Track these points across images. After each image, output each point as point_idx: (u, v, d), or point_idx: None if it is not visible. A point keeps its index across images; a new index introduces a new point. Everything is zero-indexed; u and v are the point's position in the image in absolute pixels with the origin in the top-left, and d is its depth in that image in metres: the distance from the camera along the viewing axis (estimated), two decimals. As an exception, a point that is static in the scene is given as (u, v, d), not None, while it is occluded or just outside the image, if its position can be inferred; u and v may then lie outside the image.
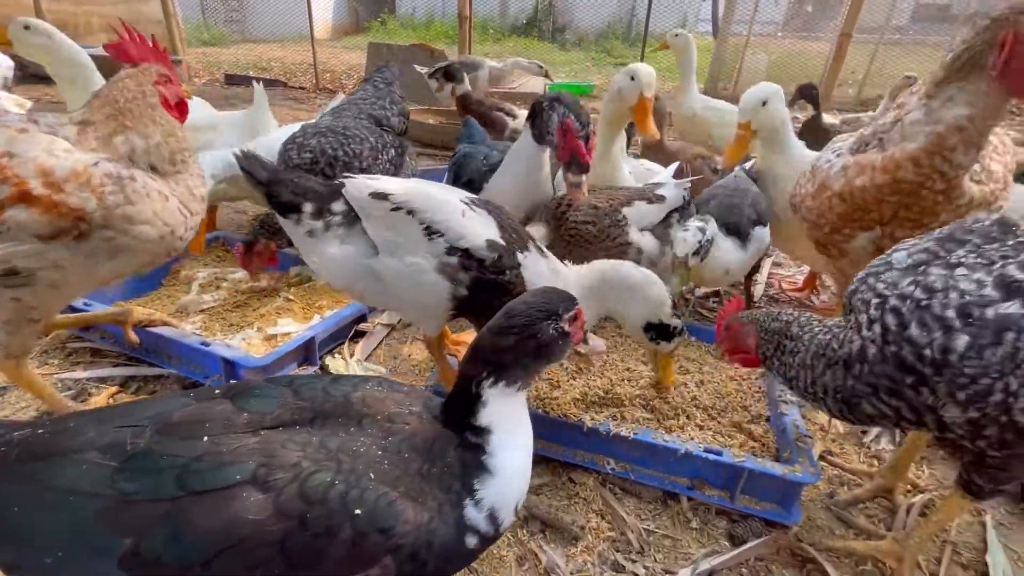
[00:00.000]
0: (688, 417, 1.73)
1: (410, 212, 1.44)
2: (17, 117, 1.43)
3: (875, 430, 1.92)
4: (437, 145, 5.32)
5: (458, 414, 0.98)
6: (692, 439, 1.62)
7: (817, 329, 1.29)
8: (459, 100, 4.40)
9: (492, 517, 0.94)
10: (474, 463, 0.94)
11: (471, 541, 0.93)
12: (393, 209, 1.44)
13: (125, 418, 0.89)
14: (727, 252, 2.12)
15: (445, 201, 1.48)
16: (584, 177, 1.82)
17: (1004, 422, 1.04)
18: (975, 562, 1.46)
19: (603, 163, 2.29)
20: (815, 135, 3.63)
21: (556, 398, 1.74)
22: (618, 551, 1.44)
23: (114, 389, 1.92)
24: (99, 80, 2.53)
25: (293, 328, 2.16)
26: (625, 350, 2.11)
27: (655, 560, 1.42)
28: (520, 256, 1.52)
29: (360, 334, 2.34)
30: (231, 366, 1.86)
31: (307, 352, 2.08)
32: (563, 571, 1.38)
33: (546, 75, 6.04)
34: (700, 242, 1.94)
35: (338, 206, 1.51)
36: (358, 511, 0.81)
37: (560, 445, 1.67)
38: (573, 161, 1.82)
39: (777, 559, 1.44)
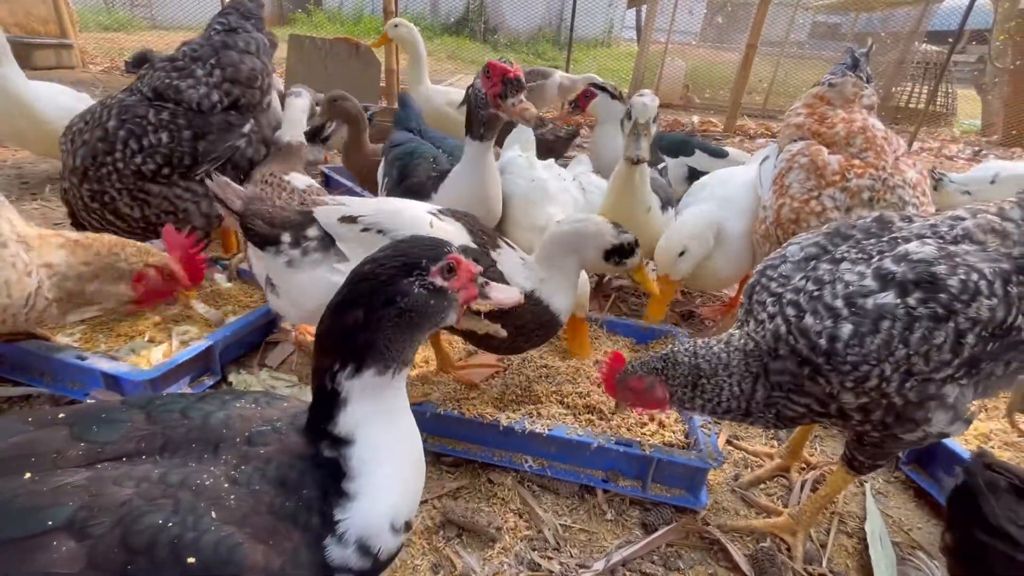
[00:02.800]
0: (602, 410, 1.76)
1: (380, 231, 1.47)
2: None
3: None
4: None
5: (316, 422, 0.83)
6: (604, 432, 1.65)
7: (718, 350, 1.25)
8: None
9: (363, 548, 0.79)
10: (332, 487, 0.80)
11: None
12: (363, 230, 1.47)
13: None
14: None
15: (412, 216, 1.50)
16: (522, 94, 1.81)
17: (885, 405, 1.13)
18: (859, 530, 1.58)
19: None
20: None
21: (473, 398, 1.72)
22: (535, 549, 1.44)
23: (-31, 413, 1.68)
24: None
25: (192, 335, 1.99)
26: (542, 346, 2.11)
27: (571, 555, 1.43)
28: (494, 254, 1.54)
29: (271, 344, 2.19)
30: (115, 381, 1.68)
31: (207, 362, 1.92)
32: (479, 575, 1.35)
33: (619, 96, 3.42)
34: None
35: (312, 231, 1.51)
36: (191, 559, 0.69)
37: (478, 445, 1.65)
38: (505, 84, 1.79)
39: (686, 543, 1.49)
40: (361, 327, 0.78)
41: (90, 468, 0.75)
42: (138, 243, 1.74)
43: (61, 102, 3.31)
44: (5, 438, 0.77)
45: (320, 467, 0.81)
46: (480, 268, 0.92)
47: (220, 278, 2.43)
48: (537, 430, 1.55)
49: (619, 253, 1.61)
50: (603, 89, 3.13)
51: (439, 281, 0.83)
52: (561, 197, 2.34)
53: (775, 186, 2.05)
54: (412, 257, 0.80)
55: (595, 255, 1.60)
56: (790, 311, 1.18)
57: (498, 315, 1.49)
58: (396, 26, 4.10)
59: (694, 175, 3.10)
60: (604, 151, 3.07)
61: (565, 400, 1.79)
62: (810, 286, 1.19)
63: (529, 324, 1.57)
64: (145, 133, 1.98)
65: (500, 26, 16.30)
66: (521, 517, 1.52)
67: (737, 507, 1.64)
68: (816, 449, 1.90)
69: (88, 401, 1.70)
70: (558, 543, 1.46)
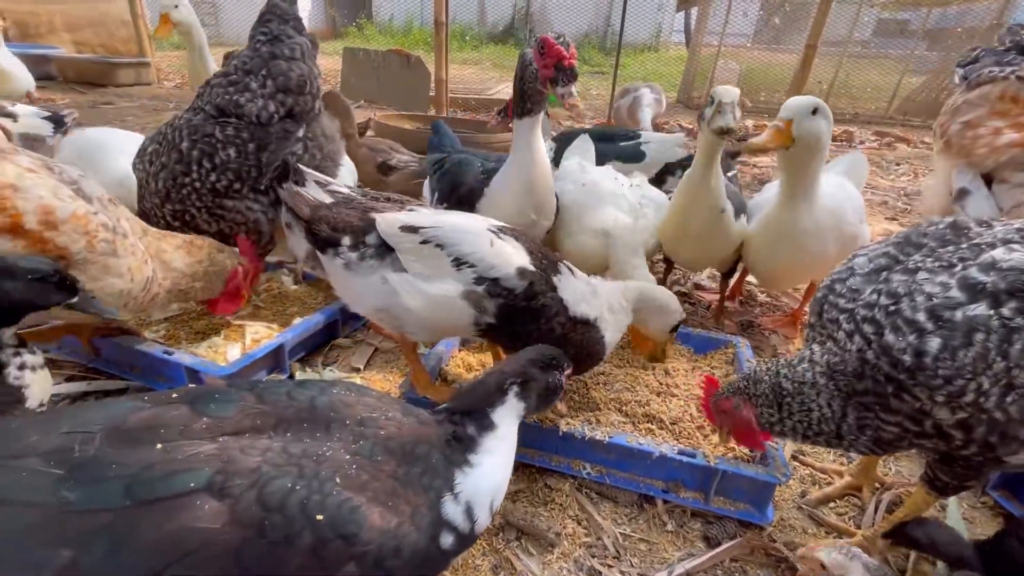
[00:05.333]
0: (662, 419, 1.73)
1: (439, 246, 1.47)
2: (29, 159, 1.48)
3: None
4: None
5: (480, 401, 1.08)
6: (666, 442, 1.62)
7: (801, 369, 1.20)
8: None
9: (468, 511, 0.96)
10: (459, 457, 0.99)
11: (447, 540, 0.93)
12: (422, 242, 1.47)
13: (73, 422, 0.83)
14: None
15: (473, 232, 1.50)
16: (573, 86, 1.79)
17: (987, 421, 1.06)
18: (941, 557, 1.49)
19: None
20: None
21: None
22: (594, 556, 1.43)
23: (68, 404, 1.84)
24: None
25: (262, 335, 2.10)
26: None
27: (631, 565, 1.42)
28: (555, 279, 1.53)
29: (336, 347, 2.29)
30: (195, 375, 1.79)
31: (276, 360, 2.02)
32: (539, 578, 1.36)
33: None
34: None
35: (371, 238, 1.53)
36: (319, 517, 0.78)
37: (535, 450, 1.65)
38: (559, 71, 1.77)
39: (752, 560, 1.45)
40: (534, 380, 1.16)
41: (213, 441, 0.83)
42: (224, 245, 1.89)
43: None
44: (130, 414, 0.85)
45: (452, 442, 1.02)
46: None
47: (287, 280, 2.55)
48: (597, 437, 1.54)
49: (675, 329, 1.76)
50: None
51: (563, 379, 1.25)
52: (618, 199, 2.32)
53: None
54: (562, 362, 1.24)
55: (665, 327, 1.75)
56: (868, 328, 1.13)
57: (558, 340, 1.52)
58: (176, 7, 3.90)
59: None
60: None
61: (624, 408, 1.77)
62: (884, 300, 1.13)
63: (582, 350, 1.57)
64: (215, 151, 2.04)
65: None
66: (580, 524, 1.52)
67: (805, 525, 1.57)
68: (890, 469, 1.80)
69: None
70: (618, 552, 1.45)
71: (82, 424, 0.82)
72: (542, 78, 1.80)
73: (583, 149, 2.75)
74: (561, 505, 1.56)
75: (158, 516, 0.73)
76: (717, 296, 2.70)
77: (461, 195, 2.25)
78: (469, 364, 2.06)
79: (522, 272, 1.47)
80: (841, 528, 1.55)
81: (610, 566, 1.41)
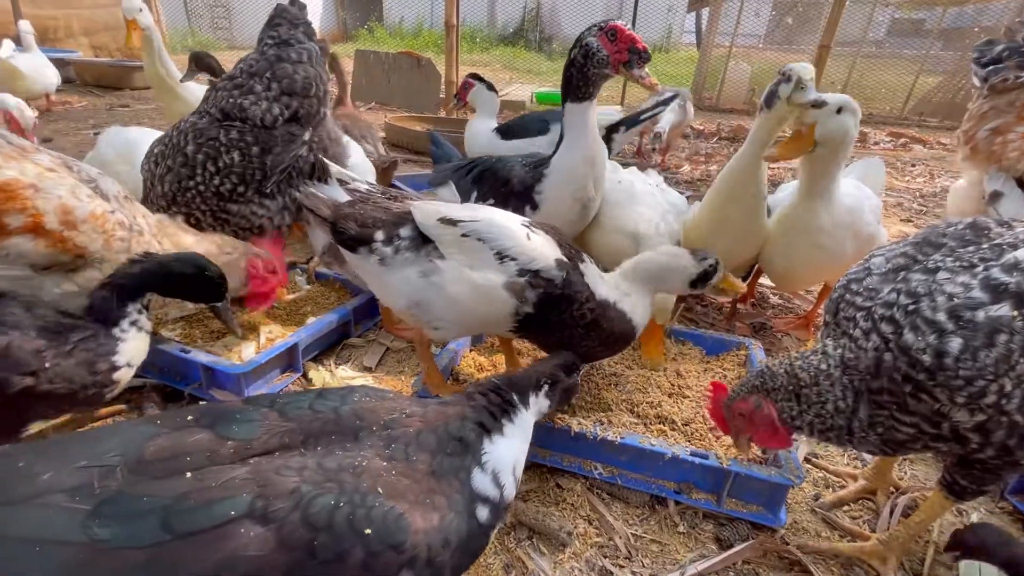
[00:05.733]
0: (674, 420, 1.73)
1: (480, 239, 1.50)
2: (49, 158, 1.51)
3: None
4: (424, 151, 5.33)
5: (523, 385, 1.20)
6: (678, 443, 1.62)
7: (816, 360, 1.21)
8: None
9: (495, 479, 1.01)
10: (495, 424, 1.08)
11: (483, 513, 0.97)
12: (463, 235, 1.50)
13: (84, 455, 0.78)
14: None
15: (510, 227, 1.53)
16: (647, 67, 1.88)
17: (1007, 424, 1.05)
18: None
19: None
20: None
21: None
22: (606, 557, 1.43)
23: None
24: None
25: (276, 334, 2.13)
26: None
27: (643, 565, 1.42)
28: (582, 266, 1.58)
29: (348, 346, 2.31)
30: (212, 374, 1.82)
31: (290, 359, 2.05)
32: (550, 578, 1.36)
33: (493, 88, 3.84)
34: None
35: (405, 231, 1.55)
36: (368, 531, 0.78)
37: (547, 450, 1.66)
38: (633, 54, 1.84)
39: (764, 562, 1.44)
40: (560, 383, 1.32)
41: (244, 464, 0.81)
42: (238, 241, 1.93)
43: None
44: (143, 440, 0.82)
45: (488, 411, 1.10)
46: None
47: (300, 280, 2.58)
48: (609, 437, 1.54)
49: (703, 279, 1.66)
50: (480, 80, 3.60)
51: (578, 380, 1.42)
52: (649, 199, 2.34)
53: None
54: (579, 365, 1.42)
55: (680, 285, 1.68)
56: (886, 328, 1.12)
57: (589, 324, 1.54)
58: (141, 10, 3.73)
59: None
60: (475, 140, 3.48)
61: (635, 409, 1.77)
62: (904, 299, 1.12)
63: (610, 332, 1.57)
64: (219, 154, 2.03)
65: (556, 35, 16.40)
66: (591, 524, 1.52)
67: (818, 528, 1.56)
68: (906, 473, 1.78)
69: (187, 391, 1.86)
70: (629, 552, 1.45)
71: (98, 456, 0.79)
72: (614, 63, 1.88)
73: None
74: (573, 505, 1.57)
75: (201, 549, 0.71)
76: (729, 297, 2.68)
77: (513, 188, 2.28)
78: (480, 364, 2.06)
79: (560, 263, 1.52)
80: (856, 532, 1.53)
81: (622, 566, 1.41)
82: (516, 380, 1.22)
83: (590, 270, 1.60)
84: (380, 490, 0.82)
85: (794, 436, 1.48)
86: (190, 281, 1.50)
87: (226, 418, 0.89)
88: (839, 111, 1.91)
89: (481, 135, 3.57)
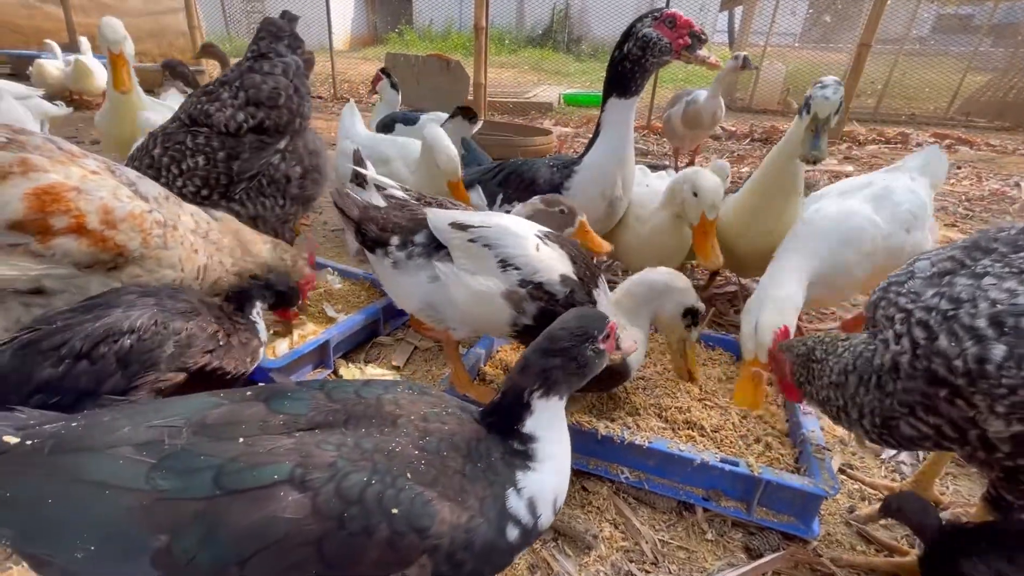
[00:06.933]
0: (703, 426, 1.70)
1: (487, 245, 1.51)
2: (95, 162, 1.58)
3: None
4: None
5: (505, 420, 1.03)
6: (707, 449, 1.59)
7: (842, 348, 1.28)
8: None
9: (531, 506, 0.97)
10: (518, 463, 0.99)
11: (512, 533, 0.95)
12: (470, 240, 1.52)
13: (158, 415, 0.89)
14: None
15: (520, 236, 1.53)
16: (706, 47, 1.94)
17: None
18: (1003, 583, 1.40)
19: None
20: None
21: (569, 405, 1.73)
22: (632, 561, 1.42)
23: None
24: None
25: (308, 332, 2.18)
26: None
27: (669, 572, 1.40)
28: (595, 292, 1.57)
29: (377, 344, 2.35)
30: (247, 368, 1.88)
31: (321, 356, 2.10)
32: (575, 580, 1.36)
33: (395, 86, 4.33)
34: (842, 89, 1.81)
35: (419, 238, 1.59)
36: (395, 510, 0.82)
37: (573, 452, 1.65)
38: (693, 37, 1.89)
39: (795, 573, 1.40)
40: (556, 368, 1.04)
41: (290, 436, 0.88)
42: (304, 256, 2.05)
43: None
44: (210, 409, 0.91)
45: (507, 452, 1.01)
46: (615, 325, 1.15)
47: (332, 279, 2.64)
48: (637, 442, 1.53)
49: (694, 316, 1.65)
50: (388, 75, 4.17)
51: (601, 346, 1.09)
52: None
53: None
54: (590, 330, 1.08)
55: (674, 310, 1.65)
56: (919, 332, 1.09)
57: None
58: (125, 38, 3.11)
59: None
60: (354, 128, 3.66)
61: (664, 414, 1.75)
62: (944, 304, 1.08)
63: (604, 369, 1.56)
64: (184, 157, 2.05)
65: (585, 36, 16.32)
66: (617, 528, 1.51)
67: (853, 542, 1.51)
68: (948, 488, 1.71)
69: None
70: (656, 558, 1.43)
71: (168, 418, 0.88)
72: (676, 48, 1.93)
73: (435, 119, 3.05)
74: (598, 509, 1.56)
75: (246, 505, 0.77)
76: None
77: (539, 188, 2.31)
78: (507, 364, 2.07)
79: (565, 279, 1.50)
80: (893, 547, 1.48)
81: (648, 571, 1.39)
82: (500, 415, 1.05)
83: (603, 297, 1.59)
84: (408, 475, 0.86)
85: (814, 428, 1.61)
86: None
87: (280, 395, 0.96)
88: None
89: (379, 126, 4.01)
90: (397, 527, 0.81)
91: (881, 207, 1.94)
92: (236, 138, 2.09)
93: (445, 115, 3.45)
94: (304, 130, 2.28)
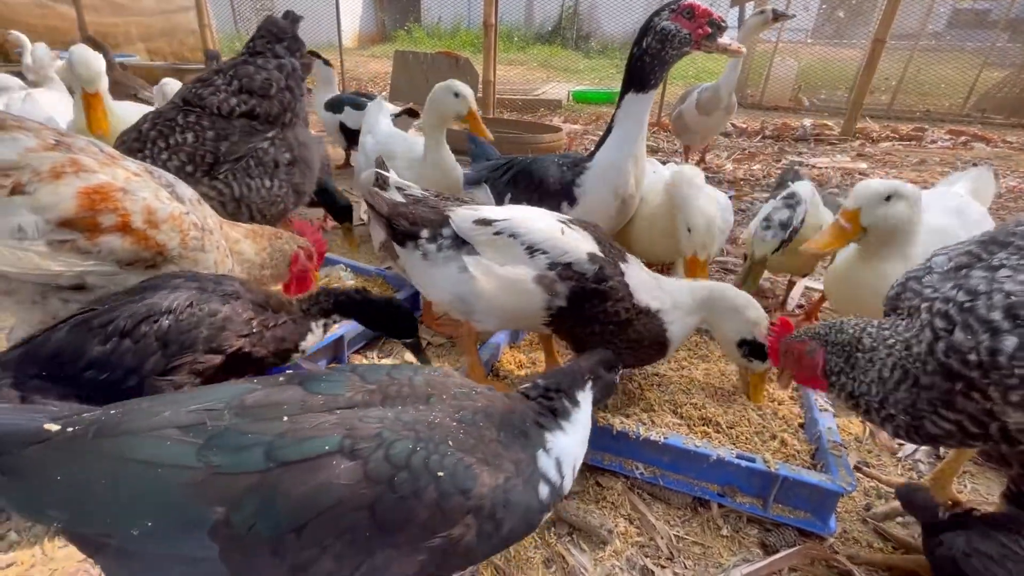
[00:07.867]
0: (719, 423, 1.70)
1: (512, 235, 1.54)
2: (136, 165, 1.63)
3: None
4: (461, 149, 5.38)
5: (571, 382, 1.20)
6: (723, 445, 1.59)
7: (888, 335, 1.20)
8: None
9: (558, 465, 1.05)
10: (553, 423, 1.10)
11: (544, 491, 1.01)
12: (495, 233, 1.55)
13: (195, 402, 0.90)
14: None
15: (544, 222, 1.58)
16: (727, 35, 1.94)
17: None
18: (1023, 582, 1.39)
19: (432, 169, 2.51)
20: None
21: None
22: (647, 556, 1.42)
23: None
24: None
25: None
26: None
27: (685, 567, 1.40)
28: (623, 266, 1.58)
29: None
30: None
31: (336, 350, 2.11)
32: (590, 575, 1.36)
33: (328, 63, 4.72)
34: (786, 233, 1.82)
35: (447, 231, 1.62)
36: (440, 473, 0.86)
37: (588, 448, 1.65)
38: (713, 26, 1.88)
39: (812, 570, 1.40)
40: (601, 379, 1.29)
41: (332, 414, 0.91)
42: (284, 230, 1.98)
43: None
44: (243, 393, 0.93)
45: (546, 412, 1.12)
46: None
47: (345, 275, 2.66)
48: (652, 437, 1.53)
49: (753, 349, 1.60)
50: (319, 57, 4.46)
51: (618, 377, 1.39)
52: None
53: None
54: (617, 363, 1.38)
55: (733, 334, 1.61)
56: (939, 323, 1.09)
57: (622, 323, 1.53)
58: (100, 74, 2.68)
59: (343, 128, 4.34)
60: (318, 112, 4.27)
61: (679, 410, 1.75)
62: (961, 296, 1.08)
63: (644, 339, 1.57)
64: (172, 132, 2.06)
65: (594, 33, 16.25)
66: (632, 523, 1.51)
67: (870, 539, 1.51)
68: (965, 486, 1.70)
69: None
70: (671, 553, 1.43)
71: (206, 403, 0.90)
72: (696, 37, 1.92)
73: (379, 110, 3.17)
74: (613, 504, 1.56)
75: (300, 475, 0.80)
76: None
77: (548, 189, 2.30)
78: (520, 361, 2.08)
79: (592, 256, 1.53)
80: (912, 545, 1.47)
81: (663, 566, 1.40)
82: (563, 379, 1.22)
83: (632, 271, 1.59)
84: (450, 443, 0.91)
85: (830, 425, 1.57)
86: (385, 315, 1.66)
87: (314, 379, 1.00)
88: (888, 199, 1.70)
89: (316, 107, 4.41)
90: (444, 489, 0.85)
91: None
92: (227, 120, 2.11)
93: (392, 106, 3.75)
94: (295, 125, 2.30)
